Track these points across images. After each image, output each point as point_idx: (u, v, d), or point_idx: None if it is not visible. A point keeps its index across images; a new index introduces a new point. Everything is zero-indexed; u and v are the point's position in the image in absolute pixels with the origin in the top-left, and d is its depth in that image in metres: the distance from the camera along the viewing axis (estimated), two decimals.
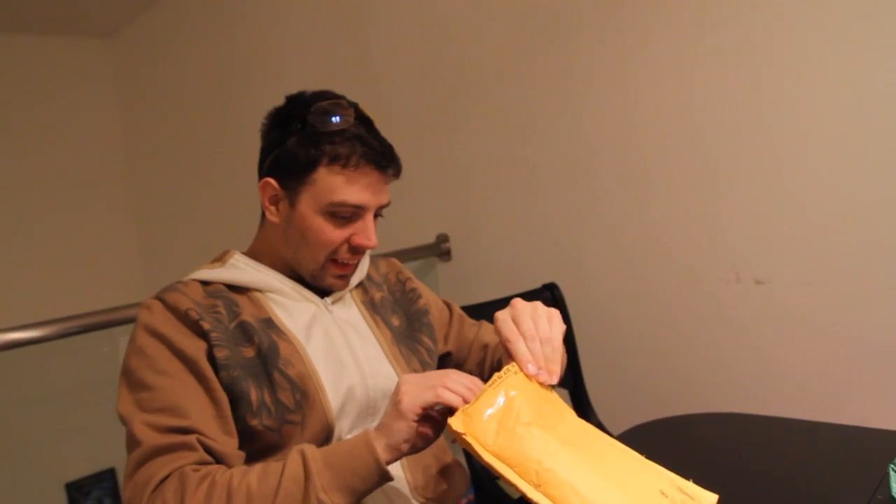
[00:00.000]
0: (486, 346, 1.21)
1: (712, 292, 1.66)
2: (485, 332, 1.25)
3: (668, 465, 0.78)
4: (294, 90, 1.09)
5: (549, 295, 1.88)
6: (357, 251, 1.04)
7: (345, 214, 1.01)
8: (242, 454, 0.93)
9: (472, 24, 2.06)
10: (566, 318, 1.87)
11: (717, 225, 1.63)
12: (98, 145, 3.82)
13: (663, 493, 0.77)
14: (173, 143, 3.59)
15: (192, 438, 0.87)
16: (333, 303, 1.09)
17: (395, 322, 1.15)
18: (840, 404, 1.48)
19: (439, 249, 2.26)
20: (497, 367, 1.15)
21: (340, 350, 1.04)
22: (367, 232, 1.03)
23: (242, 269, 1.06)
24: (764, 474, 0.93)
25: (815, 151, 1.46)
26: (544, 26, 1.89)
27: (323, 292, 1.09)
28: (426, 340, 1.16)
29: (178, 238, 3.72)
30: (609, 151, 1.81)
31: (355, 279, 1.14)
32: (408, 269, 1.28)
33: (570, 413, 0.86)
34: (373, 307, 1.15)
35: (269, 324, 1.01)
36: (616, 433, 1.17)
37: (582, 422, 0.86)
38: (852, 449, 1.00)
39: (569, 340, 1.87)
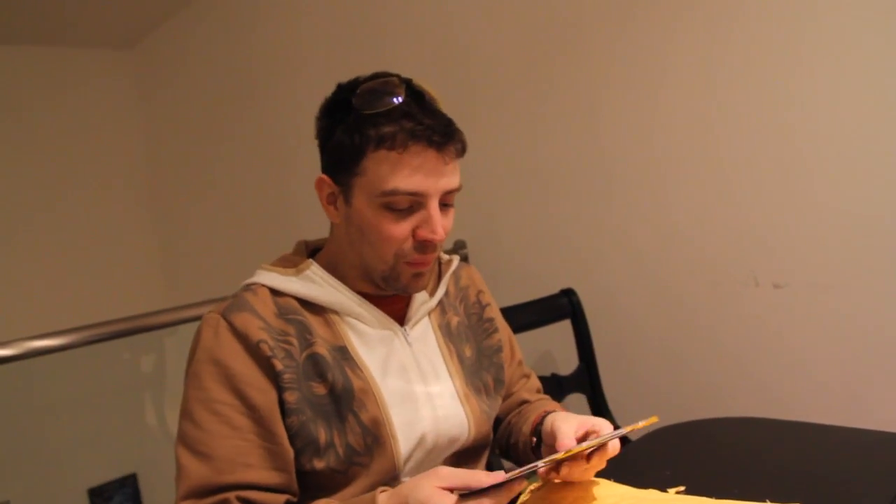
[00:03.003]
0: (522, 402, 1.16)
1: (731, 297, 1.65)
2: (528, 387, 1.19)
3: (687, 469, 0.78)
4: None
5: (567, 300, 1.87)
6: (425, 248, 0.91)
7: (402, 206, 0.89)
8: (291, 500, 0.88)
9: (487, 28, 2.06)
10: (584, 323, 1.87)
11: (734, 229, 1.62)
12: (120, 154, 3.87)
13: None
14: (194, 152, 3.63)
15: (224, 497, 0.83)
16: (412, 327, 1.01)
17: (467, 353, 1.07)
18: (861, 408, 1.47)
19: (457, 256, 2.26)
20: (513, 428, 1.12)
21: (417, 393, 0.96)
22: (432, 223, 0.89)
23: (320, 286, 0.96)
24: (783, 479, 0.93)
25: (832, 155, 1.45)
26: (561, 30, 1.89)
27: (401, 315, 1.01)
28: (490, 382, 1.08)
29: (200, 246, 3.76)
30: (626, 156, 1.80)
31: (436, 297, 1.05)
32: (488, 290, 1.17)
33: (615, 488, 0.89)
34: (448, 334, 1.06)
35: (344, 354, 0.93)
36: (634, 438, 1.17)
37: (627, 489, 0.89)
38: (873, 453, 0.99)
39: (587, 345, 1.87)
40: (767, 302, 1.58)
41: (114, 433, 2.90)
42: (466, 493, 0.73)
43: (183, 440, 0.86)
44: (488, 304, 1.14)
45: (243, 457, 0.84)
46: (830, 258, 1.48)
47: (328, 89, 0.97)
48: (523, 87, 2.00)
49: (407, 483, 0.76)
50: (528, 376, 1.21)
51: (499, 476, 0.72)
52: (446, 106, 0.94)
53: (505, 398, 1.16)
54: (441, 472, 0.74)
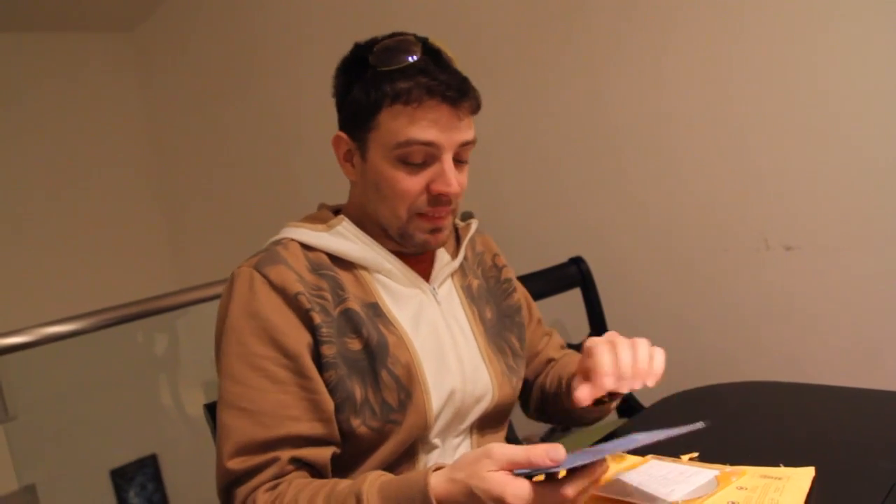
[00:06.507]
0: (549, 361, 1.16)
1: (742, 260, 1.63)
2: (552, 345, 1.19)
3: (700, 435, 0.78)
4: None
5: (576, 269, 1.87)
6: (439, 201, 0.92)
7: (416, 159, 0.90)
8: (334, 450, 0.89)
9: None
10: (594, 291, 1.86)
11: (744, 192, 1.61)
12: (124, 138, 3.86)
13: (741, 488, 0.78)
14: (198, 132, 3.62)
15: (275, 455, 0.83)
16: (439, 286, 1.02)
17: (488, 314, 1.08)
18: (875, 369, 1.46)
19: (474, 220, 2.26)
20: (549, 384, 1.10)
21: (446, 350, 0.97)
22: (445, 176, 0.90)
23: (352, 241, 0.96)
24: (797, 442, 0.93)
25: (841, 116, 1.43)
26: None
27: (425, 275, 1.01)
28: (514, 341, 1.08)
29: (207, 227, 3.76)
30: (634, 123, 1.78)
31: (458, 258, 1.06)
32: (502, 254, 1.19)
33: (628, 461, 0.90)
34: (470, 296, 1.07)
35: (376, 310, 0.94)
36: (647, 404, 1.17)
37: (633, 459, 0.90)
38: (887, 414, 0.99)
39: (597, 313, 1.86)
40: (779, 265, 1.57)
41: (132, 415, 2.94)
42: (542, 479, 0.66)
43: (225, 399, 0.86)
44: (505, 266, 1.16)
45: (288, 409, 0.85)
46: (841, 220, 1.47)
47: (331, 62, 0.98)
48: (528, 55, 1.97)
49: (461, 466, 0.70)
50: (549, 334, 1.21)
51: (559, 453, 0.65)
52: None
53: (530, 359, 1.16)
54: (493, 452, 0.68)
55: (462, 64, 0.98)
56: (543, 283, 1.85)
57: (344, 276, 0.94)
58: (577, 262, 1.87)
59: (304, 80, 2.74)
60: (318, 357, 0.88)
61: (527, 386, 1.17)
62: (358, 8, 2.44)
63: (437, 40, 0.95)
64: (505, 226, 2.17)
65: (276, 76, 2.95)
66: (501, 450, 0.69)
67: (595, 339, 0.89)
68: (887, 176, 1.39)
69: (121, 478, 3.08)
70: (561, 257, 1.91)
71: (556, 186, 2.00)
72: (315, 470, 0.87)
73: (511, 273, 1.16)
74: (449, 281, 1.05)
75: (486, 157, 2.14)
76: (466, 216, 2.24)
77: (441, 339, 0.97)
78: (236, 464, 0.83)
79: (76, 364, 2.62)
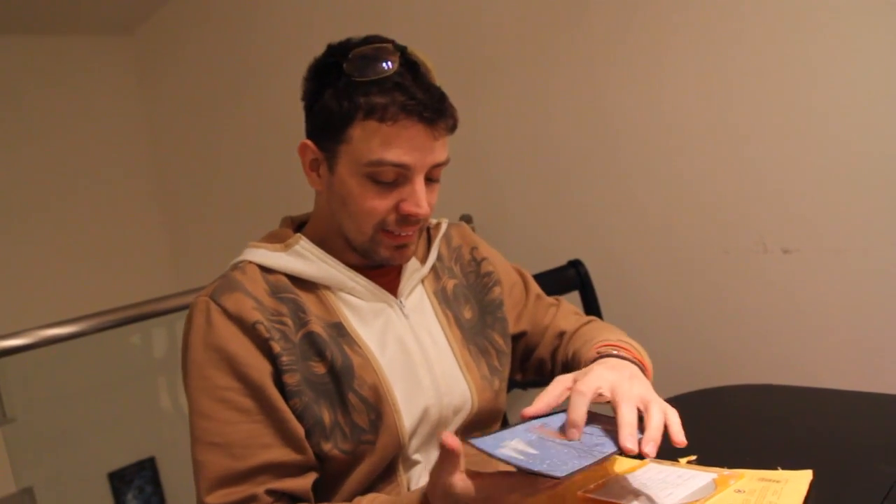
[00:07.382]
0: (562, 334, 1.09)
1: (740, 264, 1.64)
2: (562, 315, 1.13)
3: (699, 437, 0.78)
4: None
5: (574, 272, 1.86)
6: (407, 222, 0.89)
7: (387, 178, 0.86)
8: (315, 475, 0.88)
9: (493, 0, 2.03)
10: (592, 294, 1.86)
11: (742, 195, 1.61)
12: (123, 140, 3.87)
13: (739, 491, 0.77)
14: (198, 136, 3.62)
15: (253, 491, 0.82)
16: (406, 297, 0.98)
17: (467, 315, 1.04)
18: (874, 372, 1.46)
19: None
20: (571, 361, 1.02)
21: (417, 366, 0.94)
22: (416, 197, 0.87)
23: (310, 260, 0.93)
24: (796, 445, 0.93)
25: (840, 117, 1.43)
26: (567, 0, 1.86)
27: (394, 286, 0.98)
28: (497, 339, 1.05)
29: (206, 229, 3.76)
30: (632, 125, 1.78)
31: (428, 264, 1.02)
32: (482, 240, 1.14)
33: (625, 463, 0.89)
34: (444, 299, 1.03)
35: (340, 330, 0.91)
36: None
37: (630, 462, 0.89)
38: (886, 417, 0.99)
39: (596, 316, 1.86)
40: (777, 268, 1.57)
41: (130, 418, 2.94)
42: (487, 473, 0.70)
43: (195, 436, 0.85)
44: (484, 259, 1.11)
45: (258, 438, 0.83)
46: (839, 222, 1.47)
47: None
48: (527, 57, 1.97)
49: None
50: (556, 304, 1.16)
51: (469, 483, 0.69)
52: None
53: (539, 335, 1.12)
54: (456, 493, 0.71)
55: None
56: (542, 287, 1.83)
57: (305, 298, 0.91)
58: (576, 265, 1.87)
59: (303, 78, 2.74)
60: (281, 385, 0.86)
61: (545, 364, 1.11)
62: (358, 11, 2.44)
63: (416, 51, 0.90)
64: (503, 228, 2.17)
65: (275, 79, 2.95)
66: (463, 488, 0.70)
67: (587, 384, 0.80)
68: (886, 178, 1.39)
69: (119, 480, 3.08)
70: (559, 260, 1.91)
71: (554, 190, 2.00)
72: (296, 499, 0.86)
73: (493, 265, 1.11)
74: (419, 288, 1.02)
75: (484, 159, 2.14)
76: (465, 220, 2.24)
77: (410, 356, 0.94)
78: (215, 499, 0.81)
79: (75, 367, 2.62)
